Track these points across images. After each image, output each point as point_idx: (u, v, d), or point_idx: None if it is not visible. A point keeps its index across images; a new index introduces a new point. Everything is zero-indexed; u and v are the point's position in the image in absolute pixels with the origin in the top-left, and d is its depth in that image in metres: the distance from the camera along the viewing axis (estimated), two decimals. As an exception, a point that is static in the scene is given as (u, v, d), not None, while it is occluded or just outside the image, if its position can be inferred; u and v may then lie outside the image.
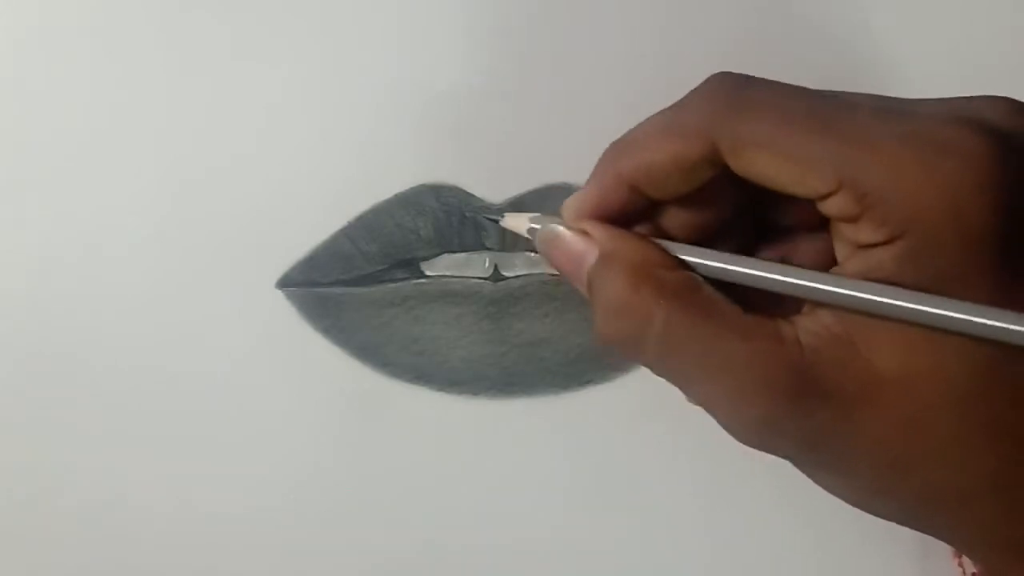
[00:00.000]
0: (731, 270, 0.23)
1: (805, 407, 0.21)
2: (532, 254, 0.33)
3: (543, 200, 0.33)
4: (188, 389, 0.33)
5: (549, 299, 0.33)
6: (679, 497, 0.33)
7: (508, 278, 0.33)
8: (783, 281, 0.22)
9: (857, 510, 0.23)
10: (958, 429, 0.21)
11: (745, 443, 0.23)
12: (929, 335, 0.21)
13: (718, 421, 0.23)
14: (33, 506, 0.33)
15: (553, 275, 0.33)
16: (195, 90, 0.33)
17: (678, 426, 0.33)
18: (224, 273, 0.33)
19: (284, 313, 0.33)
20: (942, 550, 0.32)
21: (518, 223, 0.26)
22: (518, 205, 0.33)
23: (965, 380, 0.21)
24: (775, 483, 0.33)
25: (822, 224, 0.23)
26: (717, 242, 0.25)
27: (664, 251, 0.24)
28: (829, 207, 0.22)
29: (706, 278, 0.23)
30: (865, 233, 0.21)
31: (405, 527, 0.33)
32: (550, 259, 0.25)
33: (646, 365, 0.24)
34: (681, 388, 0.23)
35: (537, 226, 0.26)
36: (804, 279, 0.22)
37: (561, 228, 0.25)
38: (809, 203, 0.22)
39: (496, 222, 0.28)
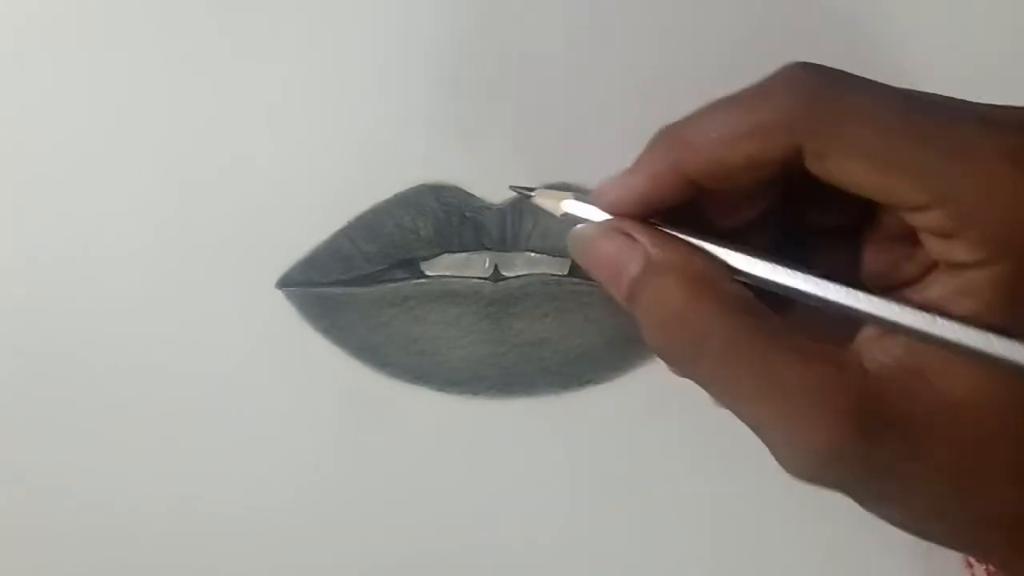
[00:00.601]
0: (792, 287, 0.22)
1: (872, 436, 0.21)
2: (532, 254, 0.33)
3: (543, 200, 0.33)
4: (188, 389, 0.33)
5: (549, 299, 0.33)
6: (679, 497, 0.33)
7: (508, 278, 0.33)
8: (852, 306, 0.22)
9: (860, 509, 0.23)
10: (1022, 457, 0.21)
11: (798, 475, 0.22)
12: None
13: (770, 448, 0.22)
14: (33, 506, 0.33)
15: (553, 275, 0.33)
16: (195, 90, 0.33)
17: (678, 426, 0.33)
18: (224, 273, 0.33)
19: (284, 313, 0.33)
20: (946, 551, 0.32)
21: (552, 203, 0.24)
22: (518, 205, 0.33)
23: None
24: (776, 483, 0.32)
25: (858, 228, 0.23)
26: (744, 238, 0.24)
27: (716, 261, 0.22)
28: (920, 219, 0.21)
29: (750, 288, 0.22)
30: (959, 252, 0.20)
31: (405, 527, 0.33)
32: (584, 260, 0.24)
33: (697, 380, 0.23)
34: (731, 408, 0.22)
35: (571, 211, 0.24)
36: (879, 304, 0.21)
37: (600, 230, 0.23)
38: (856, 206, 0.21)
39: (529, 196, 0.26)
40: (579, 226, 0.24)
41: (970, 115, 0.21)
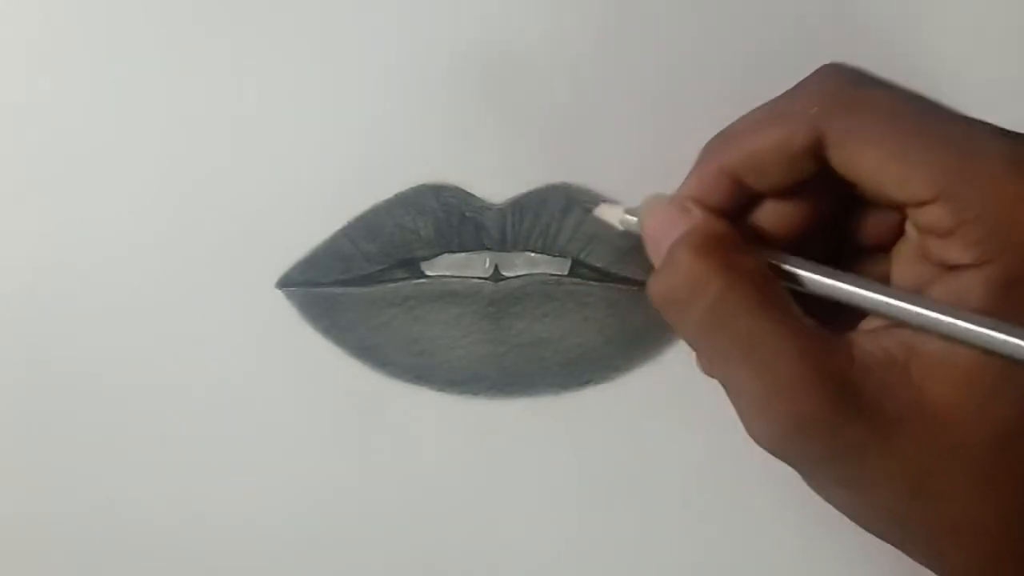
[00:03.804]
0: (819, 280, 0.23)
1: (841, 419, 0.21)
2: (532, 254, 0.33)
3: (543, 200, 0.33)
4: (187, 389, 0.33)
5: (549, 299, 0.33)
6: (679, 497, 0.33)
7: (508, 278, 0.33)
8: (863, 295, 0.22)
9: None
10: (992, 466, 0.21)
11: (763, 442, 0.22)
12: (989, 372, 0.21)
13: (742, 413, 0.23)
14: (31, 509, 0.33)
15: (553, 275, 0.33)
16: (195, 90, 0.33)
17: (678, 426, 0.33)
18: (224, 273, 0.33)
19: (284, 313, 0.33)
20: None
21: (611, 214, 0.26)
22: (518, 205, 0.33)
23: (1014, 420, 0.21)
24: (777, 483, 0.33)
25: (887, 247, 0.23)
26: (796, 252, 0.25)
27: (746, 241, 0.23)
28: (922, 216, 0.21)
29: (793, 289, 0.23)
30: (954, 251, 0.21)
31: (404, 527, 0.33)
32: (644, 223, 0.25)
33: (687, 335, 0.23)
34: (716, 368, 0.23)
35: (633, 219, 0.25)
36: (882, 294, 0.22)
37: (663, 202, 0.24)
38: (888, 219, 0.22)
39: (588, 210, 0.29)
40: (647, 197, 0.25)
41: (981, 124, 0.22)
